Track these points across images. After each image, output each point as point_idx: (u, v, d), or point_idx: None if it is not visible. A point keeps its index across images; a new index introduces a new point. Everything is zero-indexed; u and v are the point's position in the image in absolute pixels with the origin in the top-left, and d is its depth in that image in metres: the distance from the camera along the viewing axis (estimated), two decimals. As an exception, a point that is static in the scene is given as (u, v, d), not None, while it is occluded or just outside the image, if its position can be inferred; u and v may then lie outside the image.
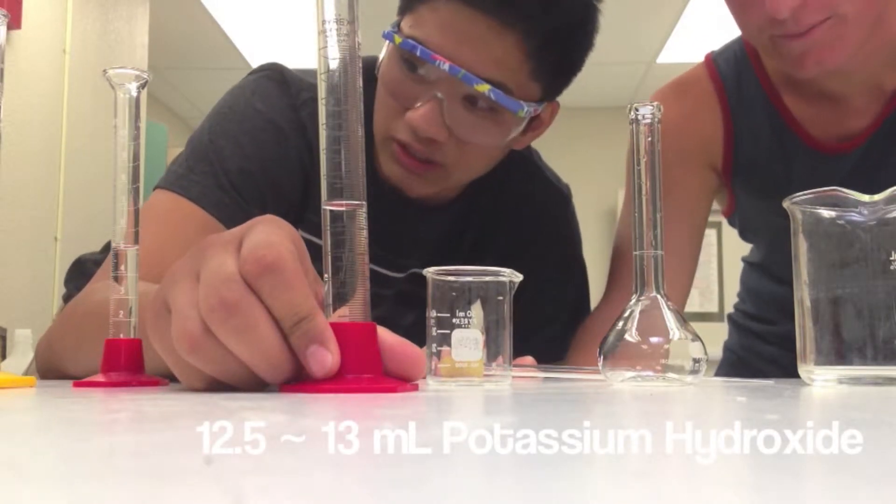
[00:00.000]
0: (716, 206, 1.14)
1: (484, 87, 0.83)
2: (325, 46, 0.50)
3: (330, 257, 0.48)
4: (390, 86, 0.88)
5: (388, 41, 0.87)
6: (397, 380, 0.49)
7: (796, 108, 0.99)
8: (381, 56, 0.91)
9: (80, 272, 1.22)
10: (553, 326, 1.03)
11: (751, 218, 1.09)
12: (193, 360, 0.46)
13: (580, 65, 0.92)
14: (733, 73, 1.02)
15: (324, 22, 0.50)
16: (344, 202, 0.49)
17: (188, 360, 0.46)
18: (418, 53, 0.83)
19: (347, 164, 0.49)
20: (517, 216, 1.04)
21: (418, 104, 0.85)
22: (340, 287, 0.48)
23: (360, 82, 0.50)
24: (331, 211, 0.49)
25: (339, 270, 0.48)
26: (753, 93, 1.01)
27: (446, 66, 0.82)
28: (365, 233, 0.49)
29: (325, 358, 0.45)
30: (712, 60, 1.05)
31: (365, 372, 0.47)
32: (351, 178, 0.49)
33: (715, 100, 1.02)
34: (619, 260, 1.02)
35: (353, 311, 0.48)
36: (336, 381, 0.46)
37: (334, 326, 0.47)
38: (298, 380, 0.47)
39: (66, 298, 1.26)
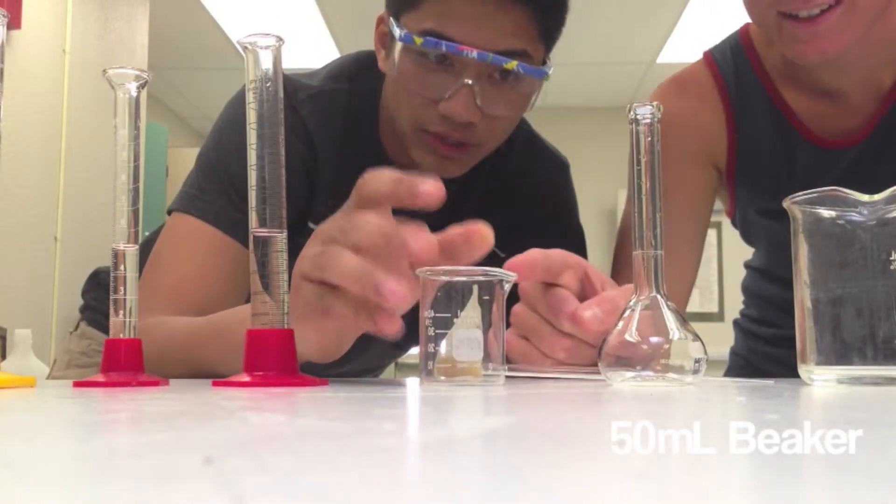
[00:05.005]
0: (718, 205, 1.14)
1: (512, 65, 0.85)
2: (252, 101, 0.59)
3: (257, 276, 0.59)
4: (415, 82, 0.89)
5: (402, 43, 0.87)
6: (311, 377, 0.59)
7: (795, 103, 0.99)
8: (394, 54, 0.90)
9: (97, 283, 1.24)
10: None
11: (749, 220, 1.09)
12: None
13: (565, 19, 0.94)
14: (731, 68, 1.02)
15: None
16: (266, 230, 0.59)
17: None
18: (444, 49, 0.84)
19: (271, 200, 0.60)
20: (519, 184, 1.06)
21: (448, 93, 0.87)
22: (264, 299, 0.58)
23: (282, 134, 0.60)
24: (255, 237, 0.59)
25: (264, 287, 0.59)
26: (752, 87, 1.01)
27: (474, 54, 0.84)
28: (283, 255, 0.59)
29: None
30: (710, 56, 1.04)
31: (284, 370, 0.57)
32: (272, 211, 0.59)
33: (716, 96, 1.02)
34: (621, 253, 1.02)
35: (273, 319, 0.58)
36: (259, 378, 0.57)
37: (257, 333, 0.57)
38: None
39: (83, 310, 1.27)
